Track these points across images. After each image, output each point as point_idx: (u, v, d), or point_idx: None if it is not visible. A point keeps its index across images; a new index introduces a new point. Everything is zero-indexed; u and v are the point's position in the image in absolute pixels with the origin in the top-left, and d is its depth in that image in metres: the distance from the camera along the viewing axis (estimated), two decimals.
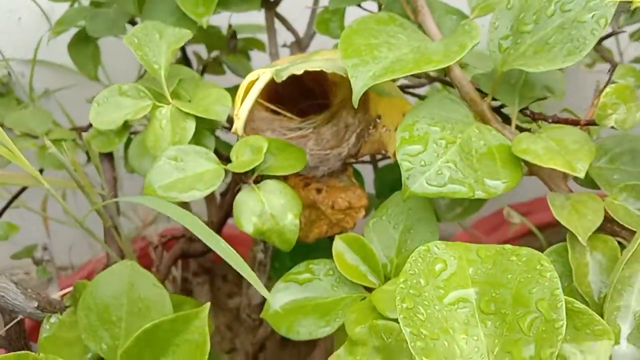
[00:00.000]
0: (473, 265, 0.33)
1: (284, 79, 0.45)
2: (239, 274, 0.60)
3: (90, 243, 1.03)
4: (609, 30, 0.66)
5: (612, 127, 0.40)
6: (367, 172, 0.71)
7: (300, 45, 0.69)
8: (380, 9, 0.58)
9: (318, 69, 0.44)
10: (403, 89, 0.65)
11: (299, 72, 0.44)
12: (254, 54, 0.84)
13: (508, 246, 0.33)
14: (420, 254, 0.33)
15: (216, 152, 0.55)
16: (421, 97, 0.64)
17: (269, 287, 0.46)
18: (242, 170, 0.44)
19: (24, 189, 0.74)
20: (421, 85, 0.66)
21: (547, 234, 0.64)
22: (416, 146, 0.39)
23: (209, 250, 0.64)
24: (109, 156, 0.64)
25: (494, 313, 0.30)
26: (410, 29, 0.44)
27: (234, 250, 0.53)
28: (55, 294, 0.64)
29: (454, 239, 0.93)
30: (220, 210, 0.69)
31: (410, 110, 0.41)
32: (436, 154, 0.39)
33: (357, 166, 0.71)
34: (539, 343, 0.28)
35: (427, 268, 0.32)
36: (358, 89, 0.38)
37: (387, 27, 0.43)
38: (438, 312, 0.30)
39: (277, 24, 0.69)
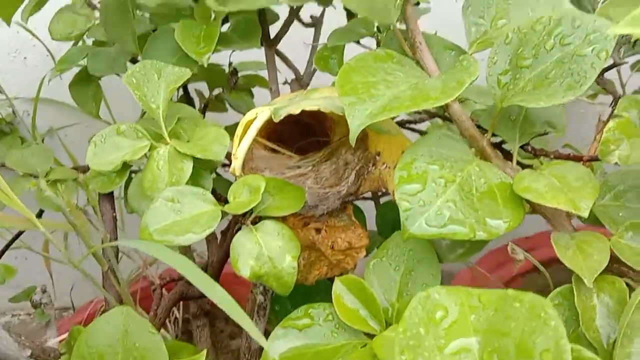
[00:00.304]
0: (475, 312, 0.31)
1: (281, 118, 0.45)
2: (251, 311, 0.59)
3: (92, 284, 1.03)
4: (610, 62, 0.65)
5: (616, 164, 0.38)
6: (369, 208, 0.70)
7: (300, 82, 0.68)
8: (378, 45, 0.58)
9: (315, 108, 0.44)
10: (403, 124, 0.65)
11: (297, 111, 0.44)
12: (257, 91, 0.84)
13: (511, 291, 0.31)
14: (420, 300, 0.31)
15: (214, 191, 0.54)
16: (422, 133, 0.63)
17: (269, 331, 0.45)
18: (239, 212, 0.43)
19: (23, 231, 0.73)
20: (422, 121, 0.65)
21: (553, 269, 0.62)
22: (415, 185, 0.38)
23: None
24: (109, 196, 0.64)
25: None
26: (407, 65, 0.44)
27: (230, 296, 0.52)
28: (53, 339, 0.63)
29: (458, 276, 0.92)
30: (220, 248, 0.68)
31: (408, 148, 0.40)
32: (435, 193, 0.38)
33: (359, 203, 0.69)
34: None
35: (427, 316, 0.31)
36: (355, 127, 0.38)
37: (384, 65, 0.43)
38: None
39: (278, 61, 0.69)
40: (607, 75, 0.72)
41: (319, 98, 0.46)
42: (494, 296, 0.32)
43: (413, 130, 0.65)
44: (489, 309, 0.31)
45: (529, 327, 0.29)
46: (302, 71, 0.70)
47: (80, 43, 0.76)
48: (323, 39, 0.65)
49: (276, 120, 0.45)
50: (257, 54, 0.74)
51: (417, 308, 0.31)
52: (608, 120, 0.44)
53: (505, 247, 0.83)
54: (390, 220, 0.61)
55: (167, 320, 0.91)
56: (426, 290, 0.32)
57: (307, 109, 0.44)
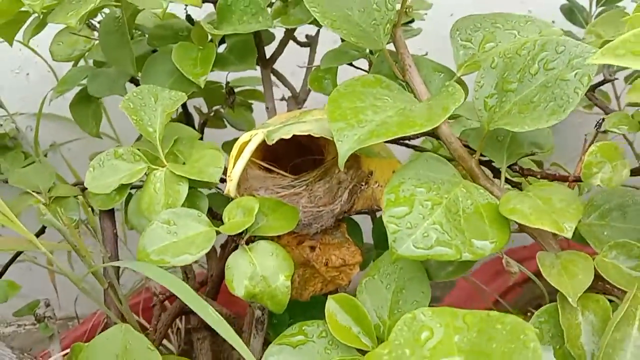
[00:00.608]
0: (460, 333, 0.32)
1: (274, 141, 0.46)
2: (250, 325, 0.60)
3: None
4: (600, 78, 0.66)
5: (599, 186, 0.40)
6: (366, 221, 0.71)
7: (297, 100, 0.70)
8: (370, 66, 0.59)
9: (306, 133, 0.45)
10: (397, 140, 0.66)
11: (288, 136, 0.45)
12: (257, 105, 0.85)
13: (494, 313, 0.32)
14: (405, 322, 0.32)
15: (211, 210, 0.55)
16: (415, 148, 0.64)
17: (269, 341, 0.46)
18: (234, 233, 0.44)
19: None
20: (416, 137, 0.66)
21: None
22: (402, 208, 0.39)
23: None
24: (109, 213, 0.65)
25: None
26: (396, 90, 0.45)
27: (225, 312, 0.53)
28: (57, 354, 0.64)
29: (458, 284, 0.93)
30: (220, 262, 0.69)
31: (396, 171, 0.42)
32: (422, 215, 0.39)
33: (355, 217, 0.71)
34: None
35: (413, 337, 0.32)
36: (343, 153, 0.39)
37: (373, 90, 0.44)
38: None
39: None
40: (602, 87, 0.73)
41: (311, 121, 0.47)
42: (477, 317, 0.33)
43: (407, 146, 0.66)
44: (472, 330, 0.32)
45: (509, 349, 0.30)
46: (298, 88, 0.71)
47: (82, 61, 0.78)
48: (319, 58, 0.67)
49: (269, 143, 0.46)
50: (257, 69, 0.75)
51: (403, 329, 0.32)
52: (593, 141, 0.45)
53: (499, 257, 0.84)
54: (386, 233, 0.62)
55: (170, 332, 0.92)
56: (412, 312, 0.33)
57: (298, 133, 0.45)
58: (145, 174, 0.49)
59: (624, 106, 0.84)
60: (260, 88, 0.83)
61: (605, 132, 0.75)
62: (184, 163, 0.51)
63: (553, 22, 1.01)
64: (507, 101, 0.43)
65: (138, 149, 0.50)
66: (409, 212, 0.39)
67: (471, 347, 0.31)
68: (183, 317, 0.91)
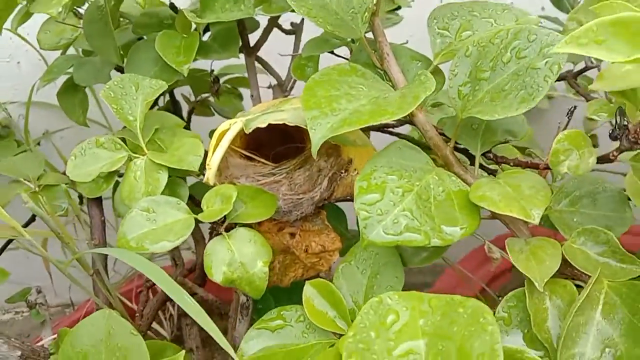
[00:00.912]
0: (424, 317, 0.33)
1: (251, 130, 0.46)
2: (235, 310, 0.61)
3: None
4: (582, 65, 0.67)
5: (566, 173, 0.40)
6: (350, 208, 0.72)
7: (282, 88, 0.70)
8: (351, 54, 0.59)
9: (281, 122, 0.46)
10: (381, 128, 0.66)
11: (263, 125, 0.46)
12: (247, 92, 0.85)
13: (457, 297, 0.33)
14: (372, 305, 0.33)
15: (193, 198, 0.56)
16: (400, 136, 0.65)
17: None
18: (212, 220, 0.45)
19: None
20: (400, 125, 0.67)
21: None
22: (373, 195, 0.40)
23: (194, 292, 0.66)
24: (97, 201, 0.66)
25: None
26: (371, 78, 0.46)
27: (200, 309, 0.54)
28: (47, 339, 0.65)
29: (447, 271, 0.94)
30: None
31: (370, 158, 0.42)
32: (392, 202, 0.40)
33: (339, 203, 0.71)
34: None
35: (379, 320, 0.33)
36: (316, 141, 0.40)
37: (348, 78, 0.44)
38: None
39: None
40: (590, 74, 0.73)
41: (289, 109, 0.48)
42: (442, 301, 0.34)
43: (390, 133, 0.66)
44: (436, 313, 0.33)
45: (469, 332, 0.31)
46: (283, 76, 0.72)
47: (72, 50, 0.78)
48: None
49: (247, 132, 0.47)
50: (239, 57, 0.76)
51: (369, 313, 0.33)
52: (565, 128, 0.46)
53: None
54: None
55: (162, 318, 0.94)
56: (379, 296, 0.34)
57: (273, 122, 0.46)
58: (126, 162, 0.50)
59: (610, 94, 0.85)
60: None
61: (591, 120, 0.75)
62: (164, 152, 0.51)
63: (543, 8, 1.02)
64: (480, 89, 0.44)
65: (120, 138, 0.51)
66: (379, 199, 0.40)
67: (434, 330, 0.32)
68: (176, 303, 0.92)
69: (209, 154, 0.50)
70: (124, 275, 1.02)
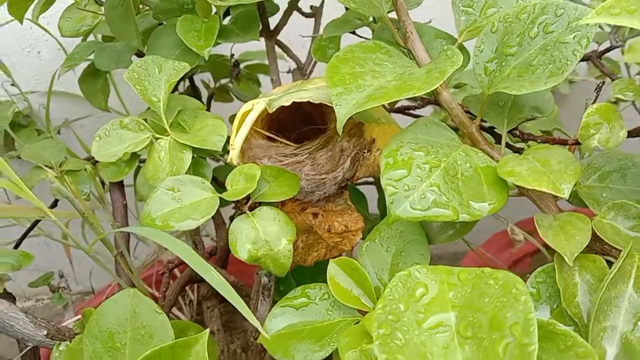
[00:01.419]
0: (453, 289, 0.33)
1: (275, 109, 0.46)
2: (257, 292, 0.61)
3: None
4: (607, 44, 0.66)
5: (596, 148, 0.40)
6: (372, 192, 0.72)
7: (302, 72, 0.70)
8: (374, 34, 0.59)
9: (306, 100, 0.46)
10: (403, 110, 0.66)
11: (287, 103, 0.45)
12: (265, 79, 0.85)
13: (487, 269, 0.33)
14: (400, 279, 0.33)
15: (217, 180, 0.56)
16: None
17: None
18: (236, 198, 0.45)
19: (40, 219, 0.77)
20: (422, 106, 0.66)
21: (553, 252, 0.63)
22: (400, 171, 0.40)
23: None
24: (119, 185, 0.67)
25: (472, 337, 0.30)
26: (396, 55, 0.45)
27: (230, 277, 0.54)
28: (70, 320, 0.66)
29: (467, 258, 0.93)
30: (228, 233, 0.70)
31: (395, 135, 0.42)
32: (420, 178, 0.39)
33: (361, 187, 0.71)
34: None
35: (408, 293, 0.33)
36: (341, 117, 0.39)
37: (372, 55, 0.44)
38: (417, 337, 0.31)
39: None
40: (612, 57, 0.72)
41: (312, 89, 0.48)
42: (471, 274, 0.33)
43: (412, 115, 0.66)
44: (466, 286, 0.33)
45: (501, 303, 0.31)
46: (303, 60, 0.72)
47: (91, 37, 0.79)
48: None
49: (270, 111, 0.47)
50: (263, 43, 0.76)
51: (398, 286, 0.33)
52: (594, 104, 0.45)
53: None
54: None
55: (182, 303, 0.94)
56: (407, 269, 0.34)
57: (298, 101, 0.45)
58: (150, 143, 0.50)
59: (634, 75, 0.83)
60: (267, 62, 0.83)
61: (615, 102, 0.74)
62: (187, 132, 0.51)
63: None
64: (506, 65, 0.43)
65: (144, 119, 0.51)
66: (406, 175, 0.39)
67: (464, 303, 0.32)
68: (195, 288, 0.93)
69: (232, 135, 0.50)
70: (144, 261, 1.03)
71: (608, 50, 0.66)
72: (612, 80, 0.60)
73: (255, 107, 0.48)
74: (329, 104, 0.43)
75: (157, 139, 0.50)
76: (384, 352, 0.29)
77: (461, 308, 0.32)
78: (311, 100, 0.45)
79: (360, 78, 0.41)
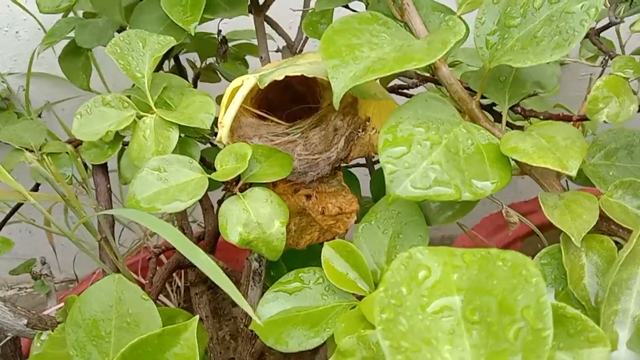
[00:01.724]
0: (458, 272, 0.31)
1: (267, 84, 0.44)
2: (247, 277, 0.59)
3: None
4: (606, 21, 0.64)
5: (605, 122, 0.38)
6: (364, 175, 0.70)
7: (292, 50, 0.67)
8: (367, 8, 0.57)
9: (299, 74, 0.43)
10: (396, 89, 0.64)
11: (280, 77, 0.43)
12: (252, 60, 0.83)
13: (494, 250, 0.31)
14: (402, 261, 0.31)
15: (205, 160, 0.54)
16: None
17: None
18: (226, 179, 0.43)
19: (21, 204, 0.74)
20: (415, 86, 0.64)
21: (550, 233, 0.62)
22: (400, 148, 0.38)
23: None
24: (102, 167, 0.64)
25: (479, 322, 0.29)
26: (393, 27, 0.43)
27: (220, 262, 0.52)
28: (52, 308, 0.64)
29: (458, 240, 0.92)
30: (216, 217, 0.68)
31: (394, 111, 0.40)
32: (421, 155, 0.37)
33: (353, 170, 0.69)
34: (526, 353, 0.26)
35: (410, 276, 0.31)
36: (338, 90, 0.37)
37: (369, 27, 0.42)
38: (421, 322, 0.29)
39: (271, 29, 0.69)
40: (607, 36, 0.70)
41: (304, 64, 0.46)
42: (477, 255, 0.32)
43: (406, 95, 0.64)
44: (472, 268, 0.31)
45: (511, 285, 0.29)
46: (293, 38, 0.69)
47: (71, 14, 0.76)
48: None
49: (262, 86, 0.44)
50: (250, 22, 0.73)
51: (400, 268, 0.31)
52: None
53: (502, 212, 0.82)
54: (384, 186, 0.60)
55: (169, 290, 0.92)
56: (409, 251, 0.32)
57: (291, 74, 0.43)
58: (134, 121, 0.48)
59: (629, 54, 0.82)
60: (255, 42, 0.80)
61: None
62: (174, 110, 0.49)
63: None
64: (509, 37, 0.41)
65: (127, 96, 0.49)
66: (406, 152, 0.37)
67: (471, 285, 0.30)
68: (182, 275, 0.90)
69: (221, 112, 0.47)
70: (129, 248, 1.01)
71: (606, 27, 0.64)
72: (611, 57, 0.58)
73: (246, 83, 0.46)
74: (324, 78, 0.41)
75: (141, 117, 0.47)
76: (387, 338, 0.27)
77: (467, 291, 0.30)
78: (305, 74, 0.43)
79: (357, 50, 0.39)
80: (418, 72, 0.54)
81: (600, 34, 0.67)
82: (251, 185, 0.46)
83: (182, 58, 0.78)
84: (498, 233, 0.86)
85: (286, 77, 0.49)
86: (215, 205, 0.72)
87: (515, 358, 0.26)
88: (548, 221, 0.76)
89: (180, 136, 0.47)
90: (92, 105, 0.48)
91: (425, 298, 0.30)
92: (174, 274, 0.89)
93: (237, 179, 0.45)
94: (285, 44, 0.70)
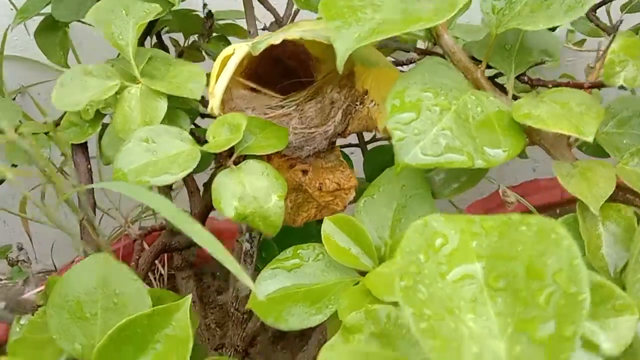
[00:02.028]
0: (477, 239, 0.29)
1: (261, 50, 0.42)
2: (238, 259, 0.57)
3: (73, 244, 1.00)
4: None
5: (621, 87, 0.36)
6: (357, 156, 0.68)
7: (280, 26, 0.65)
8: None
9: (298, 37, 0.41)
10: (396, 65, 0.62)
11: (277, 41, 0.41)
12: (235, 40, 0.80)
13: (516, 215, 0.29)
14: (417, 228, 0.29)
15: (194, 135, 0.51)
16: None
17: (256, 279, 0.43)
18: (220, 150, 0.40)
19: None
20: (411, 62, 0.62)
21: (544, 216, 0.61)
22: (408, 114, 0.35)
23: (193, 243, 0.61)
24: (82, 147, 0.61)
25: (504, 289, 0.27)
26: None
27: (214, 239, 0.50)
28: (31, 292, 0.60)
29: None
30: (202, 201, 0.65)
31: (400, 76, 0.38)
32: (430, 121, 0.35)
33: (346, 150, 0.67)
34: (560, 319, 0.24)
35: (427, 243, 0.29)
36: (342, 52, 0.35)
37: None
38: (441, 291, 0.27)
39: (257, 5, 0.66)
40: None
41: (299, 30, 0.43)
42: (497, 222, 0.30)
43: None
44: (491, 234, 0.29)
45: (538, 250, 0.27)
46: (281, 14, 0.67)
47: None
48: None
49: (255, 53, 0.42)
50: (233, 4, 0.71)
51: (415, 236, 0.29)
52: (609, 47, 0.42)
53: (494, 194, 0.81)
54: (378, 164, 0.58)
55: (152, 278, 0.89)
56: (423, 218, 0.30)
57: (289, 38, 0.41)
58: (118, 92, 0.45)
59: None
60: (240, 22, 0.78)
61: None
62: (161, 80, 0.46)
63: None
64: (517, 2, 0.40)
65: (111, 65, 0.46)
66: (415, 118, 0.35)
67: (492, 252, 0.28)
68: (165, 262, 0.87)
69: (211, 82, 0.45)
70: (109, 235, 0.97)
71: (602, 4, 0.63)
72: (609, 34, 0.57)
73: (238, 51, 0.43)
74: (323, 41, 0.38)
75: (126, 87, 0.44)
76: (410, 305, 0.25)
77: (488, 258, 0.28)
78: (303, 38, 0.41)
79: (360, 11, 0.37)
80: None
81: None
82: (245, 157, 0.43)
83: (165, 38, 0.75)
84: (491, 213, 0.85)
85: (276, 51, 0.47)
86: (202, 189, 0.69)
87: (547, 324, 0.25)
88: (539, 204, 0.75)
89: (168, 107, 0.44)
90: (72, 74, 0.45)
91: (444, 266, 0.28)
92: (157, 261, 0.86)
93: (231, 151, 0.42)
94: (273, 20, 0.67)
